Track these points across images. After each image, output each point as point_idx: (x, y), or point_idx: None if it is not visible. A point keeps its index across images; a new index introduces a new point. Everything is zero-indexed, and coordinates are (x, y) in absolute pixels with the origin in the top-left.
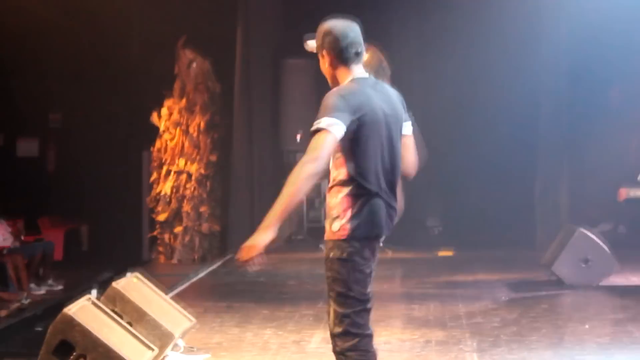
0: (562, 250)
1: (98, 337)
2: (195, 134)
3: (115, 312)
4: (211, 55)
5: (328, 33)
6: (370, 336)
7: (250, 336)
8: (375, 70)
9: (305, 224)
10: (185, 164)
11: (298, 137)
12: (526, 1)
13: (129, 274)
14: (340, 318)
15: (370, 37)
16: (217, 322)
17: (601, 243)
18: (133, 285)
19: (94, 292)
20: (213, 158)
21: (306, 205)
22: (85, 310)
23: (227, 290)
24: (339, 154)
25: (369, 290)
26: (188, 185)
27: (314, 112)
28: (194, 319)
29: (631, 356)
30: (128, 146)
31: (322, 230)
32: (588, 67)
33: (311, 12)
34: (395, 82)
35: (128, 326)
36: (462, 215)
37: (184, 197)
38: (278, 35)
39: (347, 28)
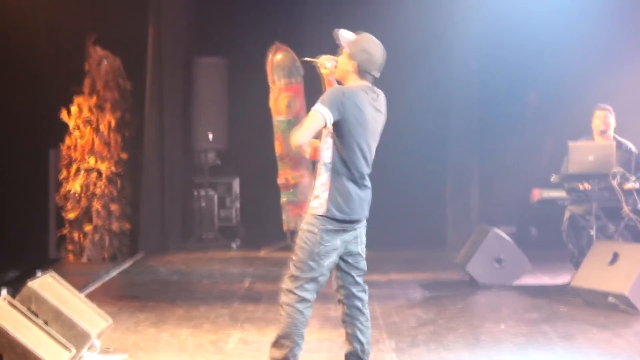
0: (475, 250)
1: (15, 336)
2: (105, 132)
3: (32, 312)
4: (122, 52)
5: (367, 52)
6: (309, 302)
7: (166, 336)
8: (288, 69)
9: (217, 223)
10: (96, 162)
11: (210, 135)
12: (438, 4)
13: (39, 273)
14: (292, 279)
15: (284, 37)
16: (132, 322)
17: (514, 243)
18: (48, 284)
19: (4, 291)
20: (124, 156)
21: (217, 204)
22: (1, 310)
23: (140, 289)
24: (329, 139)
25: (326, 264)
26: (98, 184)
27: (226, 110)
28: (110, 319)
29: (547, 355)
30: (35, 144)
31: (232, 229)
32: (501, 69)
33: (224, 11)
34: (308, 82)
35: (45, 326)
36: (374, 216)
37: (94, 195)
38: (190, 33)
39: (381, 56)
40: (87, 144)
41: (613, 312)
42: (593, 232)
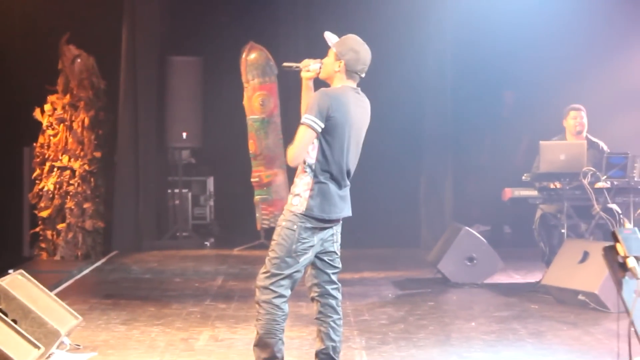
0: (447, 248)
1: None
2: (79, 130)
3: (0, 310)
4: (96, 51)
5: (354, 51)
6: (285, 298)
7: (137, 334)
8: (262, 68)
9: (190, 221)
10: (69, 160)
11: (184, 134)
12: (411, 5)
13: (11, 271)
14: (268, 275)
15: (259, 37)
16: (102, 319)
17: (486, 242)
18: (18, 282)
19: None
20: (97, 154)
21: (191, 202)
22: None
23: (112, 287)
24: (314, 140)
25: (302, 260)
26: (72, 182)
27: (200, 109)
28: (79, 317)
29: (517, 353)
30: (8, 142)
31: (206, 227)
32: (475, 68)
33: (198, 9)
34: (282, 81)
35: (13, 324)
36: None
37: (67, 193)
38: (164, 32)
39: (368, 55)
40: (60, 142)
41: (583, 310)
42: (564, 231)
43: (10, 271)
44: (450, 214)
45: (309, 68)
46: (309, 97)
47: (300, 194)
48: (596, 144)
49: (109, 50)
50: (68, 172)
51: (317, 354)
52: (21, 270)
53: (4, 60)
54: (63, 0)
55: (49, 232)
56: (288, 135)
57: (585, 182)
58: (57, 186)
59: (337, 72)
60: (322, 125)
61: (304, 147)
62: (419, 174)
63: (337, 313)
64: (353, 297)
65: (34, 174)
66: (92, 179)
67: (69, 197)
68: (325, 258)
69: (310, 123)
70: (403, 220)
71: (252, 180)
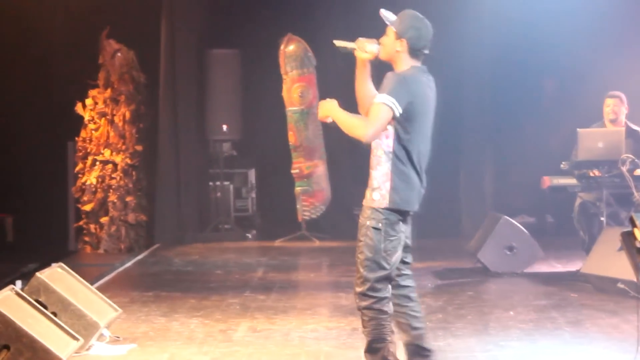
0: (487, 237)
1: (22, 327)
2: (120, 124)
3: (40, 303)
4: (136, 45)
5: (415, 28)
6: (386, 299)
7: (176, 325)
8: (301, 60)
9: (233, 213)
10: (111, 154)
11: (225, 127)
12: None
13: (53, 265)
14: (362, 280)
15: (297, 28)
16: (143, 311)
17: (525, 231)
18: (57, 275)
19: (19, 283)
20: (139, 148)
21: (233, 194)
22: (8, 301)
23: (153, 280)
24: (389, 127)
25: (394, 259)
26: (114, 175)
27: (240, 101)
28: (119, 309)
29: (554, 341)
30: (53, 137)
31: (248, 219)
32: (514, 58)
33: (236, 2)
34: (321, 73)
35: (52, 316)
36: None
37: (110, 187)
38: (203, 25)
39: (429, 30)
40: (102, 136)
41: (623, 298)
42: (604, 219)
43: (53, 264)
44: (491, 204)
45: (365, 49)
46: (365, 79)
47: (380, 187)
48: (635, 132)
49: (149, 44)
50: (110, 165)
51: (405, 346)
52: (61, 263)
53: (46, 57)
54: None
55: (92, 226)
56: (327, 126)
57: (624, 169)
58: (100, 180)
59: (399, 52)
60: (401, 111)
61: (382, 125)
62: (458, 164)
63: (413, 300)
64: None
65: (77, 168)
66: (134, 173)
67: (111, 190)
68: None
69: (386, 102)
70: (443, 211)
71: (292, 171)
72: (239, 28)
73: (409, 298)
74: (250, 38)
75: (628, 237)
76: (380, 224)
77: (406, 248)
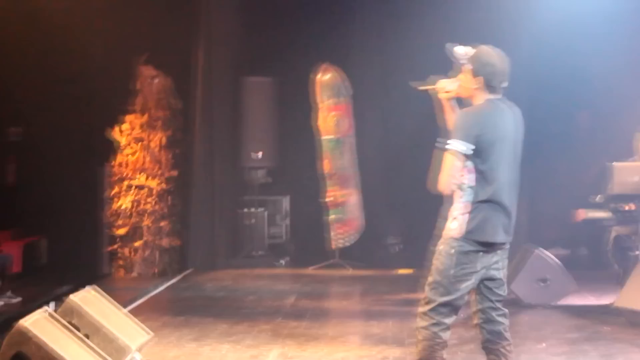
0: (520, 269)
1: (54, 349)
2: (156, 150)
3: (72, 325)
4: (172, 72)
5: (490, 65)
6: (445, 325)
7: (207, 350)
8: (337, 89)
9: (267, 240)
10: (146, 178)
11: (259, 154)
12: (484, 25)
13: (87, 287)
14: (427, 300)
15: (331, 57)
16: (174, 336)
17: (559, 263)
18: (90, 298)
19: (52, 305)
20: (174, 173)
21: (267, 221)
22: (41, 323)
23: (185, 304)
24: (468, 162)
25: (462, 287)
26: (149, 200)
27: (274, 129)
28: (151, 333)
29: None
30: (85, 160)
31: (282, 246)
32: (550, 89)
33: (271, 31)
34: (357, 102)
35: (84, 339)
36: (422, 234)
37: (144, 211)
38: (239, 52)
39: (505, 64)
40: (137, 161)
41: None
42: (638, 252)
43: (86, 287)
44: (524, 236)
45: (447, 88)
46: (452, 113)
47: (457, 217)
48: None
49: (185, 71)
50: (145, 190)
51: None
52: (94, 286)
53: (83, 81)
54: (139, 21)
55: (126, 250)
56: (362, 155)
57: None
58: (134, 204)
59: (477, 89)
60: (472, 147)
61: (453, 173)
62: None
63: (506, 339)
64: None
65: (112, 192)
66: (168, 198)
67: (146, 215)
68: (490, 285)
69: (457, 148)
70: None
71: (326, 199)
72: (274, 56)
73: (500, 335)
74: (285, 66)
75: None
76: (453, 250)
77: (497, 280)
